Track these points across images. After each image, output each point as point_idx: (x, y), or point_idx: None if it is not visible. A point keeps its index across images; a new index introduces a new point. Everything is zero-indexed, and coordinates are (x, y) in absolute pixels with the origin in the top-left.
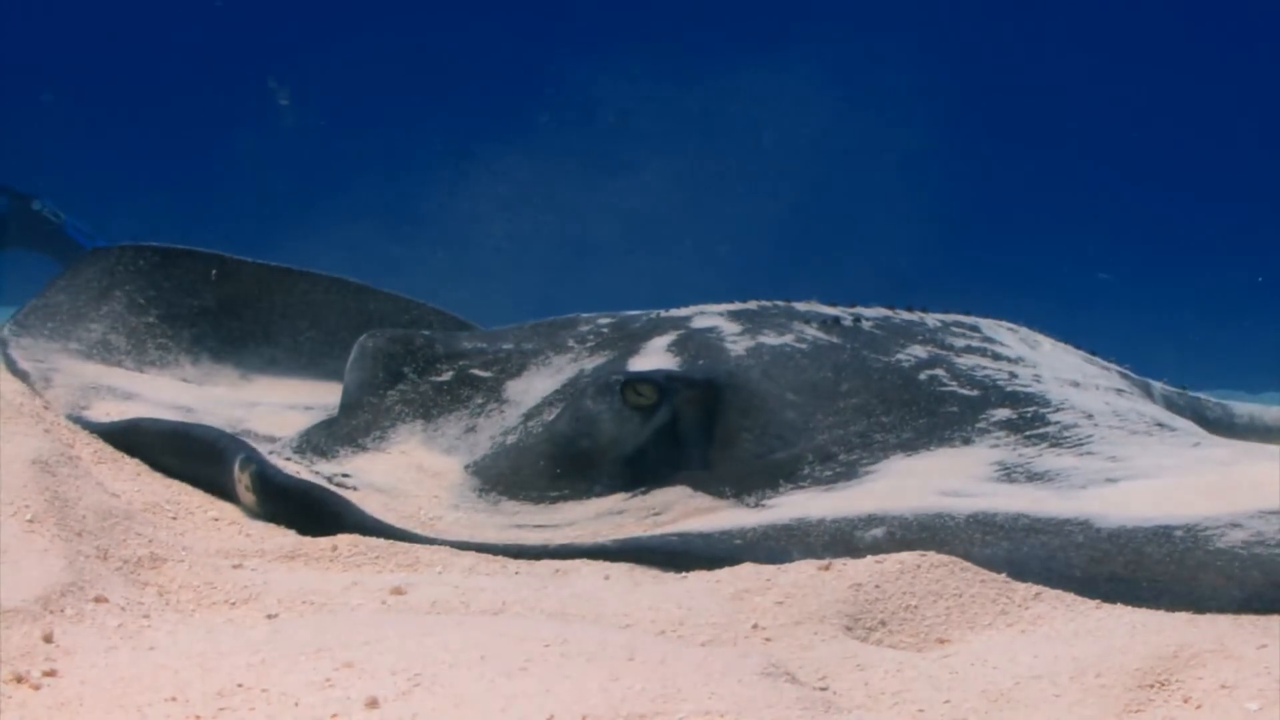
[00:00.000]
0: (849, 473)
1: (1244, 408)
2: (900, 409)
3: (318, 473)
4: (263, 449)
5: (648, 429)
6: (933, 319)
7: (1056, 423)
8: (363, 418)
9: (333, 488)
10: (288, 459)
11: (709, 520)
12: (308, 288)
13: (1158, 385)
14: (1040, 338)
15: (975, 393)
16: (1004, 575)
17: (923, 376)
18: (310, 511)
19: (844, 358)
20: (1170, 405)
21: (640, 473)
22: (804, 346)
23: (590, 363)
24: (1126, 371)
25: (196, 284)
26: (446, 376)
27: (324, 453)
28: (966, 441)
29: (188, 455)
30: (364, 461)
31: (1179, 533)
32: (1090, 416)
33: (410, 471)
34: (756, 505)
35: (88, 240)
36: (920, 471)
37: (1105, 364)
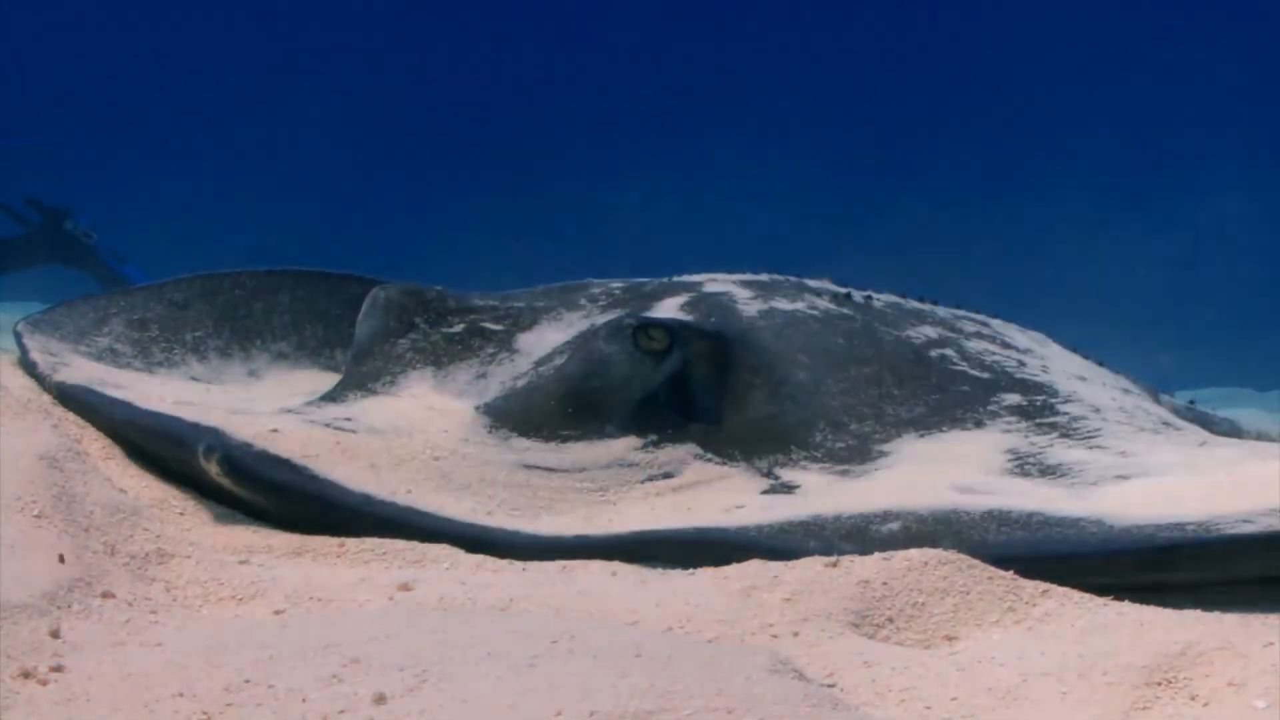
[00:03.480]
0: (862, 450)
1: (1251, 423)
2: (911, 382)
3: (314, 421)
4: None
5: (659, 374)
6: (943, 309)
7: (1066, 413)
8: (373, 364)
9: (308, 464)
10: (289, 410)
11: (723, 501)
12: (297, 285)
13: (1165, 398)
14: (1048, 340)
15: (985, 375)
16: (1013, 572)
17: (934, 354)
18: (285, 495)
19: (855, 327)
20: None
21: (650, 420)
22: (815, 314)
23: (602, 319)
24: (1133, 383)
25: (189, 300)
26: (458, 328)
27: (333, 398)
28: (979, 424)
29: (154, 443)
30: (373, 404)
31: (1192, 526)
32: (1098, 410)
33: (420, 411)
34: (769, 474)
35: (117, 263)
36: (934, 457)
37: (1113, 373)
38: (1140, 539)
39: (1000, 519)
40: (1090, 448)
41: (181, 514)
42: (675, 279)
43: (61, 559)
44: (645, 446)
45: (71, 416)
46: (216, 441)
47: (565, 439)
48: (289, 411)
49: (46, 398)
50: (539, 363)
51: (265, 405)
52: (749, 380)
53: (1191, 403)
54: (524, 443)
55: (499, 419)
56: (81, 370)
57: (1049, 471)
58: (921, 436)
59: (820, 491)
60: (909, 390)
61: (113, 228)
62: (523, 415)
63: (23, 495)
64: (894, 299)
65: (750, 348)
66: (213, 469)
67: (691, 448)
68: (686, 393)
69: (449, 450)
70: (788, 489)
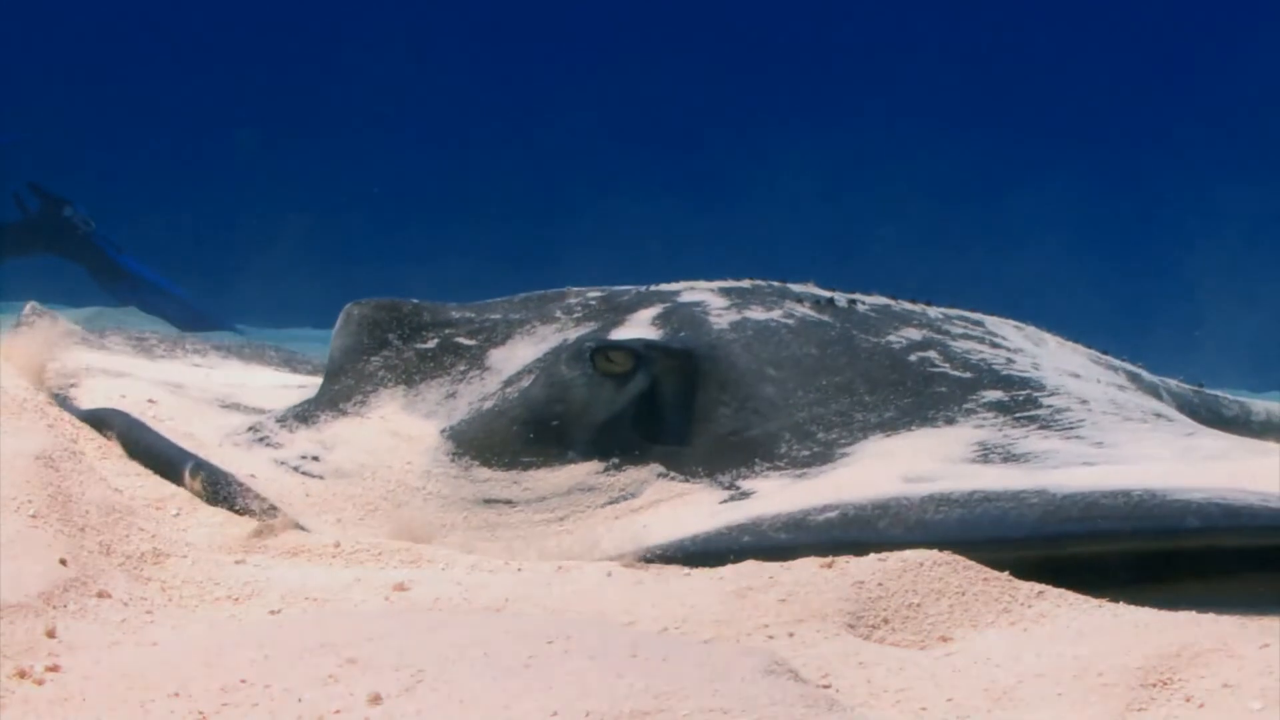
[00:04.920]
0: (825, 454)
1: (1261, 405)
2: (885, 389)
3: (284, 462)
4: (249, 421)
5: (622, 397)
6: (935, 310)
7: (1049, 406)
8: (345, 383)
9: (276, 502)
10: (262, 437)
11: (675, 516)
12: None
13: (1172, 383)
14: (1046, 335)
15: (967, 375)
16: (1008, 572)
17: (913, 358)
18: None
19: (831, 335)
20: (1184, 403)
21: (614, 443)
22: (790, 323)
23: (575, 333)
24: (1139, 371)
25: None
26: (431, 344)
27: (305, 419)
28: (950, 421)
29: (141, 458)
30: (342, 428)
31: (1138, 491)
32: (1085, 402)
33: (385, 439)
34: (730, 486)
35: (115, 253)
36: (894, 452)
37: (1114, 363)
38: (1082, 503)
39: (940, 500)
40: (1067, 438)
41: (177, 514)
42: (653, 288)
43: (64, 562)
44: (607, 470)
45: (68, 416)
46: (201, 462)
47: (527, 466)
48: (261, 441)
49: (43, 397)
50: (506, 383)
51: (253, 400)
52: (716, 397)
53: (1200, 386)
54: (485, 473)
55: (462, 445)
56: (71, 358)
57: (1013, 459)
58: (888, 437)
59: (770, 495)
60: (880, 396)
61: (111, 222)
62: (485, 442)
63: (18, 495)
64: (883, 301)
65: (719, 363)
66: (197, 486)
67: (655, 467)
68: (654, 411)
69: (413, 490)
70: (743, 496)
